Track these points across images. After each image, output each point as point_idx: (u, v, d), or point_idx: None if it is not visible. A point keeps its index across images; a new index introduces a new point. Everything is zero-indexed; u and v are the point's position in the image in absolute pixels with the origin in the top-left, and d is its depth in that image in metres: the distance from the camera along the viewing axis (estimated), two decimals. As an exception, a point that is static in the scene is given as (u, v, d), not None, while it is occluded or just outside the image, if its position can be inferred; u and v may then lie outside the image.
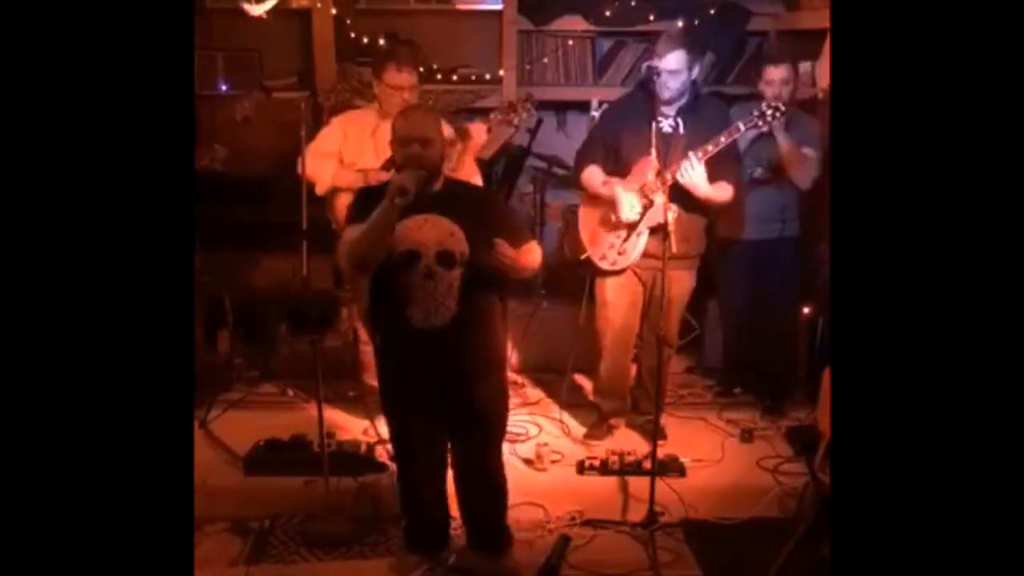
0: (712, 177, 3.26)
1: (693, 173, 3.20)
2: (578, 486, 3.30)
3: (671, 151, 3.25)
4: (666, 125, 3.32)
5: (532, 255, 2.55)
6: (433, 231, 2.44)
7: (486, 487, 2.73)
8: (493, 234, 2.41)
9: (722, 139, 3.22)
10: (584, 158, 3.51)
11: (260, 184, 4.44)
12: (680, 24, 4.36)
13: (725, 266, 3.97)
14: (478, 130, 3.45)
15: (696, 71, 3.35)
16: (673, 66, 3.24)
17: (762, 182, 3.74)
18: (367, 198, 2.49)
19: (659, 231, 3.19)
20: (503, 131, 4.04)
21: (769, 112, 3.24)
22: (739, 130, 3.25)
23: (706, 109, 3.40)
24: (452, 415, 2.64)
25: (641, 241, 3.39)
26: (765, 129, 3.38)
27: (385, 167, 3.42)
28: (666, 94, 3.28)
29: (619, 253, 3.43)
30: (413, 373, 2.58)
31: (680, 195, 3.25)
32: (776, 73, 3.65)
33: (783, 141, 3.56)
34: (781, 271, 3.85)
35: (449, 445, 2.73)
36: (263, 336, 4.32)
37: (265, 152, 4.35)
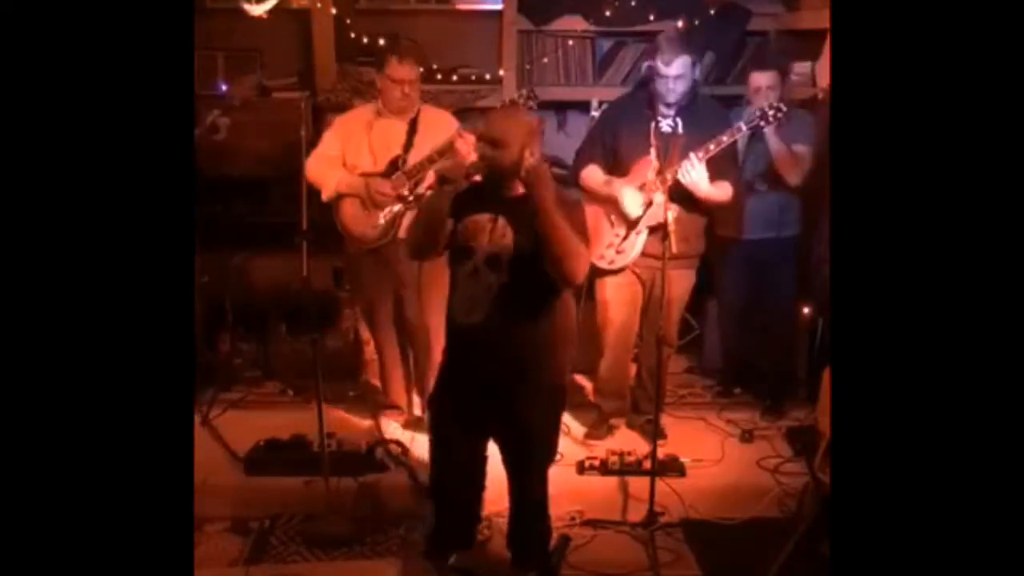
0: (712, 177, 3.26)
1: (694, 172, 3.21)
2: (578, 486, 3.29)
3: (670, 151, 3.25)
4: (665, 125, 3.33)
5: (575, 248, 2.37)
6: (490, 232, 2.45)
7: (522, 509, 2.68)
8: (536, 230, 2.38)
9: (724, 139, 3.23)
10: (583, 157, 3.52)
11: (260, 184, 4.44)
12: (680, 25, 4.35)
13: (724, 266, 3.97)
14: (465, 143, 3.26)
15: (697, 71, 3.37)
16: (680, 71, 3.25)
17: (760, 189, 3.74)
18: (465, 193, 2.51)
19: (658, 230, 3.20)
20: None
21: (771, 112, 3.25)
22: (741, 130, 3.26)
23: (704, 109, 3.41)
24: (490, 423, 2.60)
25: (640, 240, 3.39)
26: (767, 129, 3.39)
27: (386, 172, 3.42)
28: (672, 98, 3.29)
29: (617, 252, 3.43)
30: (454, 368, 2.60)
31: (679, 195, 3.26)
32: (762, 79, 3.63)
33: (774, 144, 3.57)
34: (780, 271, 3.85)
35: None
36: (263, 336, 4.32)
37: (265, 152, 4.35)
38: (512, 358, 2.49)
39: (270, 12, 3.77)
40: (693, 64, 3.31)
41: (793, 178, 3.65)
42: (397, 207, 3.41)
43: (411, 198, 3.40)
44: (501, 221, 2.45)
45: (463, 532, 2.75)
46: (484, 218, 2.47)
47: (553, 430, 2.66)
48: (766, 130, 3.46)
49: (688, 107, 3.34)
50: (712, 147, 3.22)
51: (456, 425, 2.59)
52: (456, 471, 2.67)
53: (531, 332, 2.50)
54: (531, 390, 2.53)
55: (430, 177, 3.32)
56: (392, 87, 3.38)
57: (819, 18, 4.30)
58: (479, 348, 2.49)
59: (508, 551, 2.75)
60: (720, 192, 3.33)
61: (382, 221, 3.43)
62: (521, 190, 2.45)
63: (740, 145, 3.56)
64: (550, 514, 2.72)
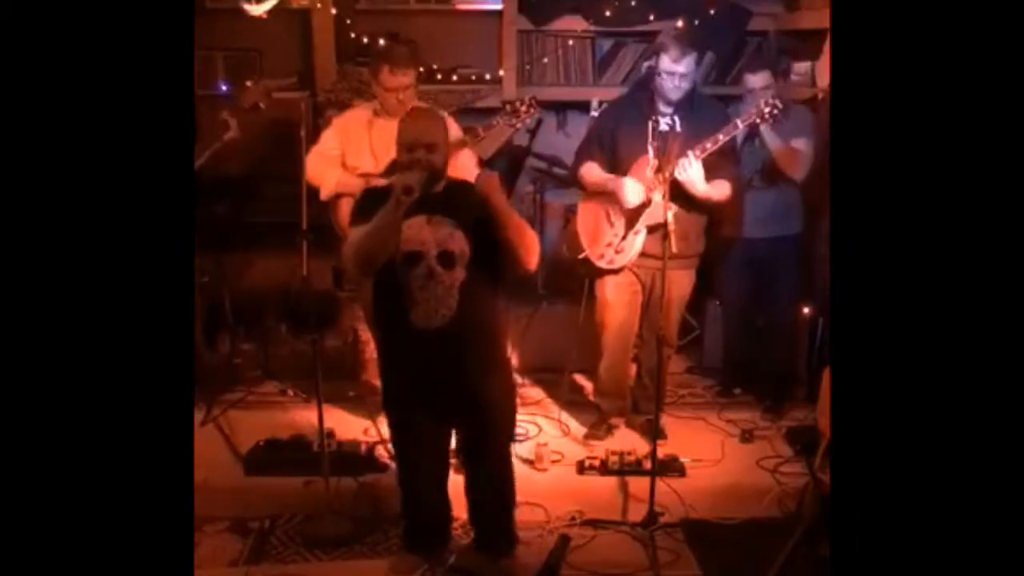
0: (710, 175, 3.27)
1: (690, 170, 3.21)
2: (578, 486, 3.30)
3: (668, 149, 3.25)
4: (663, 124, 3.33)
5: (531, 241, 2.48)
6: (435, 232, 2.46)
7: (491, 488, 2.74)
8: (493, 231, 2.42)
9: (720, 136, 3.23)
10: (582, 155, 3.52)
11: (260, 184, 4.44)
12: (681, 24, 4.35)
13: (725, 265, 3.97)
14: (464, 158, 3.33)
15: (698, 69, 3.39)
16: (687, 69, 3.26)
17: (759, 186, 3.74)
18: (370, 199, 2.50)
19: (657, 230, 3.21)
20: (503, 131, 4.04)
21: (767, 110, 3.25)
22: (737, 127, 3.27)
23: (702, 108, 3.41)
24: (456, 415, 2.65)
25: (639, 240, 3.39)
26: (763, 126, 3.38)
27: (386, 173, 3.42)
28: (676, 95, 3.30)
29: (616, 251, 3.43)
30: (414, 372, 2.59)
31: (679, 194, 3.26)
32: (756, 80, 3.64)
33: (771, 141, 3.57)
34: (780, 270, 3.85)
35: (458, 446, 2.78)
36: (263, 336, 4.32)
37: (265, 152, 4.35)
38: (480, 348, 2.57)
39: (270, 12, 3.77)
40: (697, 62, 3.34)
41: (796, 173, 3.65)
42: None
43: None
44: (439, 218, 2.47)
45: (440, 526, 2.83)
46: (421, 220, 2.47)
47: (510, 400, 2.74)
48: (763, 129, 3.47)
49: (686, 105, 3.35)
50: (709, 145, 3.22)
51: (423, 423, 2.64)
52: (427, 469, 2.73)
53: (492, 320, 2.59)
54: (496, 375, 2.62)
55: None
56: (387, 95, 3.38)
57: (819, 18, 4.30)
58: (447, 347, 2.50)
59: (473, 534, 2.81)
60: (718, 191, 3.33)
61: None
62: (441, 186, 2.50)
63: (738, 143, 3.56)
64: (513, 494, 2.78)
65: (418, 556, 2.79)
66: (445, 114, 3.39)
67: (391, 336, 2.63)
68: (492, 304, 2.59)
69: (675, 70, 3.25)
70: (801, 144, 3.62)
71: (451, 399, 2.60)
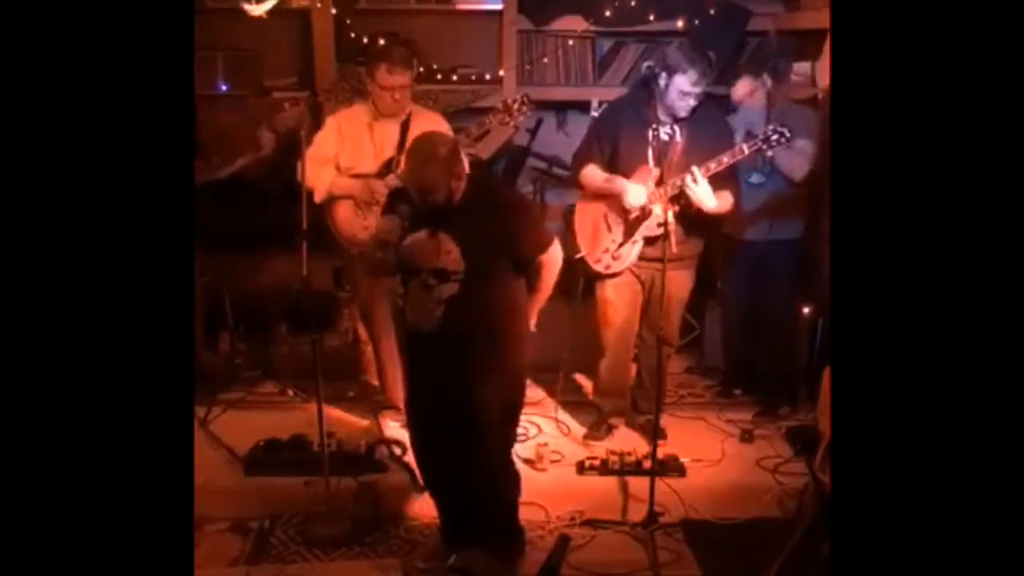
0: (713, 188, 3.26)
1: (698, 189, 3.20)
2: (578, 486, 3.29)
3: (668, 159, 3.24)
4: (663, 132, 3.31)
5: (551, 264, 2.72)
6: (433, 249, 2.57)
7: (484, 490, 2.74)
8: (508, 243, 2.60)
9: (725, 159, 3.22)
10: (582, 159, 3.50)
11: (260, 184, 4.43)
12: (696, 43, 4.32)
13: (725, 267, 3.96)
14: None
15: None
16: (701, 89, 3.25)
17: (759, 185, 3.73)
18: (398, 195, 2.78)
19: (655, 242, 3.22)
20: (500, 131, 4.03)
21: (774, 136, 3.23)
22: (743, 152, 3.24)
23: (704, 116, 3.37)
24: (453, 415, 2.66)
25: (636, 248, 3.39)
26: (770, 153, 3.36)
27: (381, 172, 3.42)
28: (685, 112, 3.28)
29: (613, 258, 3.43)
30: (414, 370, 2.75)
31: (682, 205, 3.26)
32: (740, 88, 3.73)
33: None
34: (780, 273, 3.83)
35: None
36: (263, 336, 4.32)
37: (265, 152, 4.35)
38: (472, 355, 2.62)
39: (270, 12, 3.77)
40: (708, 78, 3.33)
41: (796, 174, 3.64)
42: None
43: None
44: (442, 236, 2.56)
45: (467, 524, 2.81)
46: (423, 235, 2.59)
47: (504, 407, 2.71)
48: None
49: (687, 114, 3.33)
50: (713, 166, 3.21)
51: (428, 422, 2.71)
52: (437, 465, 2.78)
53: (486, 329, 2.63)
54: (490, 381, 2.63)
55: None
56: (383, 94, 3.38)
57: (819, 18, 4.28)
58: (437, 352, 2.62)
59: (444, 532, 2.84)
60: (723, 203, 3.32)
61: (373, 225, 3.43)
62: (458, 197, 2.56)
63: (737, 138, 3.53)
64: (507, 499, 2.80)
65: (449, 548, 2.82)
66: (440, 115, 3.41)
67: (403, 336, 2.80)
68: (487, 315, 2.63)
69: (691, 91, 3.23)
70: (803, 144, 3.60)
71: (443, 399, 2.65)
